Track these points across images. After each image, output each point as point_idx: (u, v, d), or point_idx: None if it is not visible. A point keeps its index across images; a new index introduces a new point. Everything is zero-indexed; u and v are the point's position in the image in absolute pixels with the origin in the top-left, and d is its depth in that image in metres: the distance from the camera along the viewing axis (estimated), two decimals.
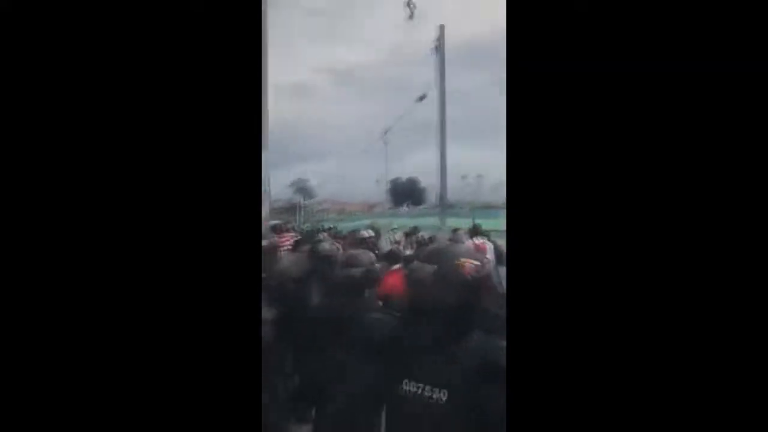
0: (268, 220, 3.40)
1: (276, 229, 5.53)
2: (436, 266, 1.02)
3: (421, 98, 9.86)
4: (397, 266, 2.72)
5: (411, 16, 9.82)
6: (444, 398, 0.93)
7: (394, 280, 2.43)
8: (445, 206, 9.60)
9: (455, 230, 5.65)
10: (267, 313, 1.39)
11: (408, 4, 9.63)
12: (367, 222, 14.30)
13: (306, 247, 3.23)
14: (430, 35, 9.53)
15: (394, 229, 7.37)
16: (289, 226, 7.44)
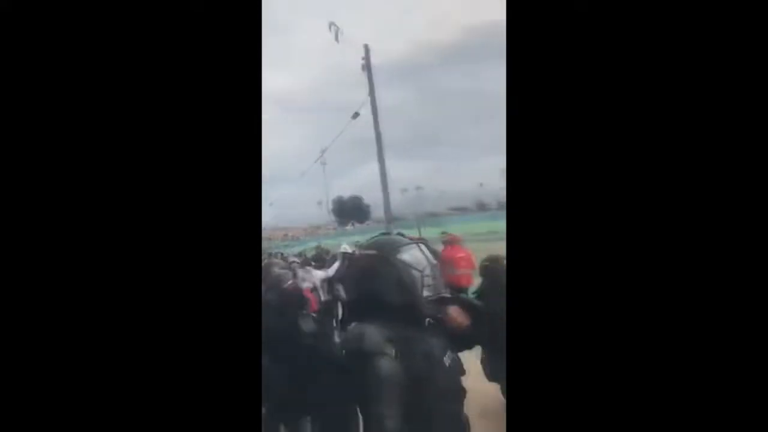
0: None
1: None
2: None
3: (355, 116, 9.98)
4: None
5: (336, 38, 10.01)
6: None
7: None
8: (390, 220, 9.69)
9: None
10: None
11: (330, 27, 9.81)
12: (313, 244, 14.03)
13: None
14: (357, 55, 9.74)
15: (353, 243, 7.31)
16: None
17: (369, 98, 9.51)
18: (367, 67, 9.53)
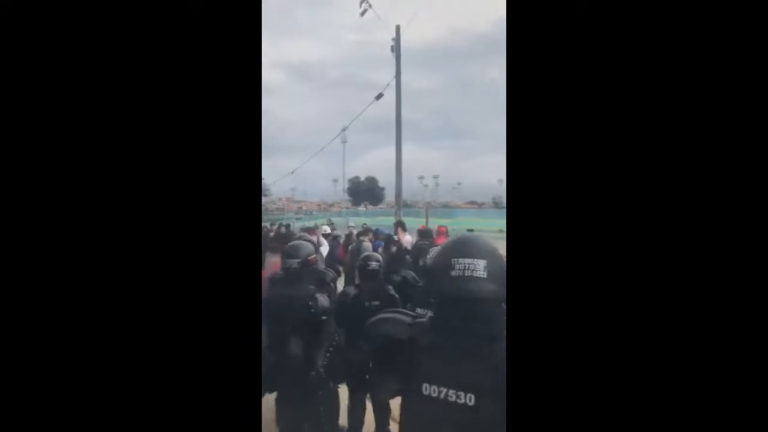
0: None
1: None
2: None
3: (378, 97, 9.85)
4: None
5: (362, 14, 9.88)
6: None
7: None
8: (401, 206, 9.64)
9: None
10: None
11: (361, 4, 9.66)
12: (322, 220, 14.18)
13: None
14: (389, 35, 9.59)
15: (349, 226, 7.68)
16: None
17: (395, 80, 9.37)
18: (396, 48, 9.35)
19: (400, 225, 5.47)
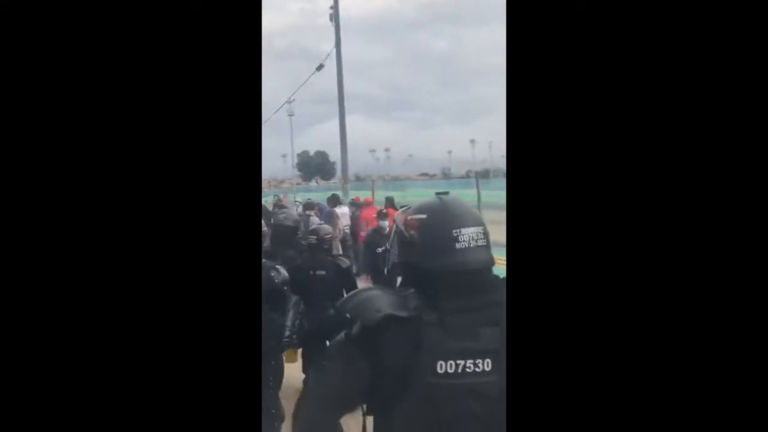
0: None
1: None
2: None
3: (319, 68, 9.55)
4: None
5: None
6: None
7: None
8: (348, 180, 9.57)
9: None
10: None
11: None
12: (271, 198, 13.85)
13: None
14: (327, 3, 9.20)
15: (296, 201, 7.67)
16: None
17: (335, 50, 9.08)
18: (335, 16, 9.01)
19: (334, 202, 5.55)
